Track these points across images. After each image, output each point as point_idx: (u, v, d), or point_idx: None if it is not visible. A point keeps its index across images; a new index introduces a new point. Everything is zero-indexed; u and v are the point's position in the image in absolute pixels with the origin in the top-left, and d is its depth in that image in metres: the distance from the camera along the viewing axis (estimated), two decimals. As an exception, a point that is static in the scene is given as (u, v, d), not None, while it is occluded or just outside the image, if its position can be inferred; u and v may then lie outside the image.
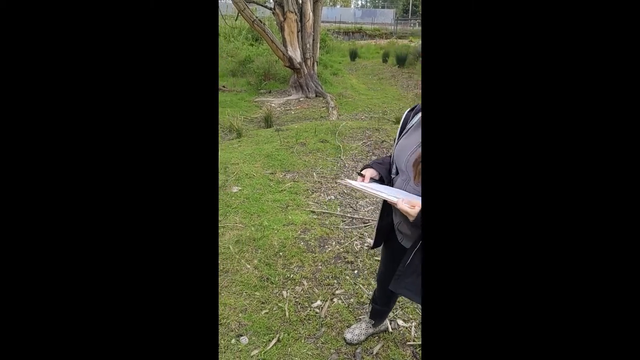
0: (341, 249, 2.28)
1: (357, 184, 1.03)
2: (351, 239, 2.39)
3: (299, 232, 2.43)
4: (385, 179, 1.12)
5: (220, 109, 5.99)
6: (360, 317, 1.76)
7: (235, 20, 9.43)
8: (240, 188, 3.06)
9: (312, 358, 1.55)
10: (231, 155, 3.81)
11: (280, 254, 2.22)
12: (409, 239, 1.11)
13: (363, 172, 1.11)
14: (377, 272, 1.50)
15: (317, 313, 1.78)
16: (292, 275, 2.04)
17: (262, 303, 1.84)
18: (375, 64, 12.20)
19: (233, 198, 2.88)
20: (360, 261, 2.17)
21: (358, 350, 1.58)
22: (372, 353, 1.57)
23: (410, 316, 1.78)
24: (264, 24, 7.09)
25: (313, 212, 2.70)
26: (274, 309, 1.81)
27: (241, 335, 1.65)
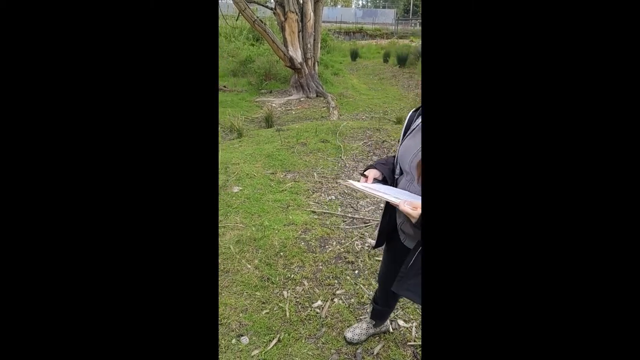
0: (342, 249, 2.28)
1: (360, 185, 1.03)
2: (352, 239, 2.39)
3: (299, 232, 2.43)
4: (389, 179, 1.12)
5: (221, 109, 6.00)
6: (361, 317, 1.76)
7: (236, 20, 9.43)
8: (241, 188, 3.06)
9: (312, 358, 1.55)
10: (232, 155, 3.81)
11: (281, 254, 2.22)
12: (411, 239, 1.10)
13: (366, 173, 1.11)
14: (378, 272, 1.49)
15: (317, 313, 1.78)
16: (292, 276, 2.04)
17: (263, 303, 1.84)
18: (376, 64, 12.20)
19: (234, 198, 2.88)
20: (361, 261, 2.17)
21: (359, 351, 1.58)
22: (372, 353, 1.57)
23: (411, 316, 1.78)
24: (265, 24, 7.09)
25: (314, 212, 2.70)
26: (275, 309, 1.81)
27: (242, 335, 1.65)
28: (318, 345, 1.61)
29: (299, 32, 7.31)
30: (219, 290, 1.91)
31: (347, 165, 3.58)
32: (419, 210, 0.88)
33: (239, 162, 3.60)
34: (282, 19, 7.15)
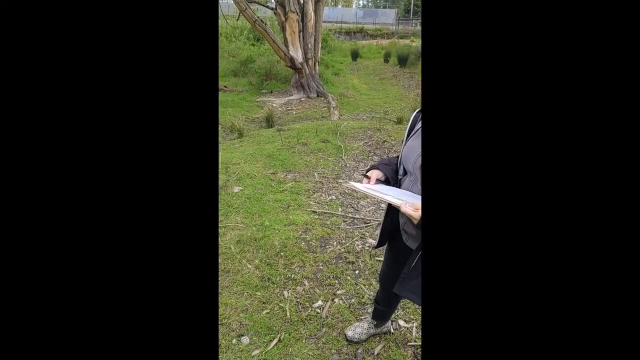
0: (342, 249, 2.27)
1: (362, 186, 1.03)
2: (352, 239, 2.39)
3: (300, 232, 2.43)
4: (392, 179, 1.12)
5: (221, 109, 6.00)
6: (362, 317, 1.76)
7: (237, 20, 9.44)
8: (241, 188, 3.06)
9: (313, 358, 1.55)
10: (232, 155, 3.82)
11: (282, 254, 2.22)
12: (414, 239, 1.10)
13: (368, 174, 1.11)
14: (379, 272, 1.49)
15: (318, 313, 1.78)
16: (293, 276, 2.04)
17: (263, 303, 1.84)
18: (376, 64, 12.19)
19: (234, 198, 2.89)
20: (362, 261, 2.17)
21: (359, 351, 1.57)
22: (373, 353, 1.57)
23: (412, 317, 1.78)
24: (266, 24, 7.09)
25: (314, 212, 2.70)
26: (275, 309, 1.81)
27: (242, 335, 1.65)
28: (318, 345, 1.61)
29: (299, 32, 7.31)
30: (220, 290, 1.91)
31: (347, 165, 3.58)
32: (421, 212, 0.88)
33: (240, 162, 3.60)
34: (283, 19, 7.15)
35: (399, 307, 1.81)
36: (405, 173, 1.10)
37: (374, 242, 2.33)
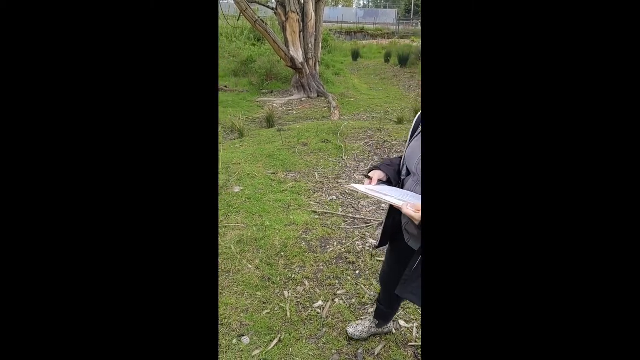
0: (343, 249, 2.27)
1: (363, 188, 1.03)
2: (353, 239, 2.39)
3: (300, 232, 2.43)
4: (393, 180, 1.12)
5: (222, 109, 6.00)
6: (363, 316, 1.76)
7: (238, 20, 9.44)
8: (242, 188, 3.06)
9: (313, 358, 1.55)
10: (233, 155, 3.82)
11: (282, 254, 2.22)
12: (416, 239, 1.10)
13: (370, 174, 1.11)
14: (380, 272, 1.49)
15: (318, 313, 1.78)
16: (293, 276, 2.04)
17: (264, 303, 1.84)
18: (377, 64, 12.19)
19: (235, 198, 2.89)
20: (362, 261, 2.16)
21: (359, 351, 1.57)
22: (373, 354, 1.57)
23: (412, 317, 1.78)
24: (266, 24, 7.10)
25: (315, 212, 2.70)
26: (276, 309, 1.81)
27: (242, 335, 1.65)
28: (319, 345, 1.61)
29: (300, 32, 7.32)
30: (220, 291, 1.91)
31: (348, 165, 3.58)
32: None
33: (240, 162, 3.60)
34: (284, 19, 7.16)
35: (400, 308, 1.81)
36: (408, 173, 1.10)
37: (375, 242, 2.33)
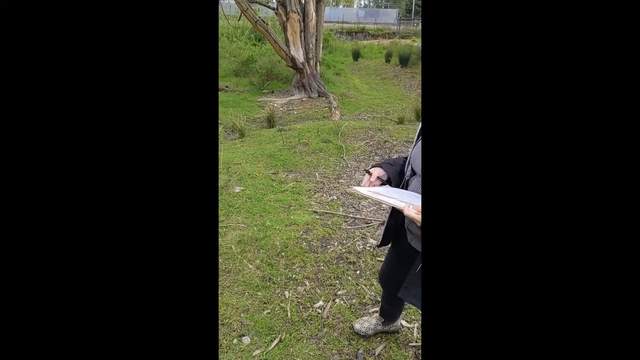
0: (343, 250, 2.27)
1: (365, 191, 1.03)
2: (353, 239, 2.38)
3: (301, 233, 2.43)
4: (393, 179, 1.11)
5: (223, 109, 6.01)
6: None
7: (238, 21, 9.44)
8: (242, 188, 3.06)
9: (314, 358, 1.55)
10: (234, 155, 3.82)
11: (283, 254, 2.22)
12: (418, 239, 1.10)
13: (371, 170, 1.11)
14: (379, 271, 1.49)
15: (319, 313, 1.78)
16: (294, 276, 2.04)
17: (264, 303, 1.84)
18: (378, 64, 12.19)
19: (235, 198, 2.89)
20: (363, 262, 2.16)
21: (360, 351, 1.57)
22: (374, 354, 1.57)
23: (413, 317, 1.78)
24: (267, 24, 7.10)
25: (315, 212, 2.70)
26: (276, 309, 1.81)
27: (243, 336, 1.65)
28: (319, 345, 1.61)
29: (301, 32, 7.32)
30: (221, 291, 1.91)
31: (349, 165, 3.58)
32: None
33: (241, 162, 3.60)
34: (284, 19, 7.16)
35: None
36: (413, 174, 1.10)
37: (375, 242, 2.33)
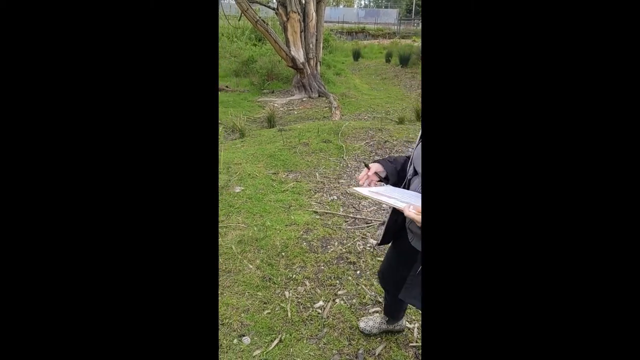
0: (344, 250, 2.27)
1: (366, 191, 1.03)
2: (354, 239, 2.38)
3: (301, 233, 2.43)
4: (391, 177, 1.11)
5: (223, 109, 6.01)
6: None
7: (239, 21, 9.45)
8: (242, 188, 3.06)
9: (314, 359, 1.55)
10: (234, 155, 3.82)
11: (283, 254, 2.22)
12: (419, 239, 1.10)
13: (370, 165, 1.11)
14: (378, 271, 1.49)
15: (319, 314, 1.78)
16: (294, 276, 2.04)
17: (265, 303, 1.84)
18: (378, 64, 12.19)
19: (236, 198, 2.89)
20: (363, 262, 2.16)
21: (360, 351, 1.57)
22: (374, 354, 1.57)
23: (414, 317, 1.78)
24: (267, 24, 7.10)
25: (315, 212, 2.70)
26: (276, 309, 1.81)
27: (243, 336, 1.65)
28: (320, 345, 1.61)
29: (301, 32, 7.32)
30: (221, 291, 1.91)
31: (349, 165, 3.58)
32: None
33: (241, 162, 3.60)
34: (285, 19, 7.16)
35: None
36: (415, 173, 1.10)
37: (375, 242, 2.33)
